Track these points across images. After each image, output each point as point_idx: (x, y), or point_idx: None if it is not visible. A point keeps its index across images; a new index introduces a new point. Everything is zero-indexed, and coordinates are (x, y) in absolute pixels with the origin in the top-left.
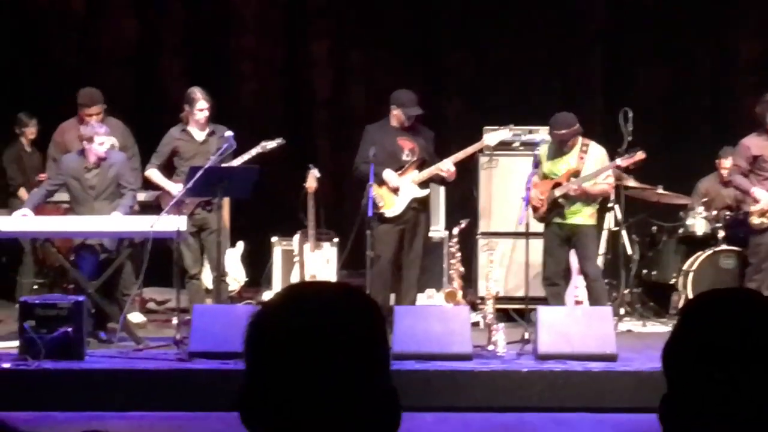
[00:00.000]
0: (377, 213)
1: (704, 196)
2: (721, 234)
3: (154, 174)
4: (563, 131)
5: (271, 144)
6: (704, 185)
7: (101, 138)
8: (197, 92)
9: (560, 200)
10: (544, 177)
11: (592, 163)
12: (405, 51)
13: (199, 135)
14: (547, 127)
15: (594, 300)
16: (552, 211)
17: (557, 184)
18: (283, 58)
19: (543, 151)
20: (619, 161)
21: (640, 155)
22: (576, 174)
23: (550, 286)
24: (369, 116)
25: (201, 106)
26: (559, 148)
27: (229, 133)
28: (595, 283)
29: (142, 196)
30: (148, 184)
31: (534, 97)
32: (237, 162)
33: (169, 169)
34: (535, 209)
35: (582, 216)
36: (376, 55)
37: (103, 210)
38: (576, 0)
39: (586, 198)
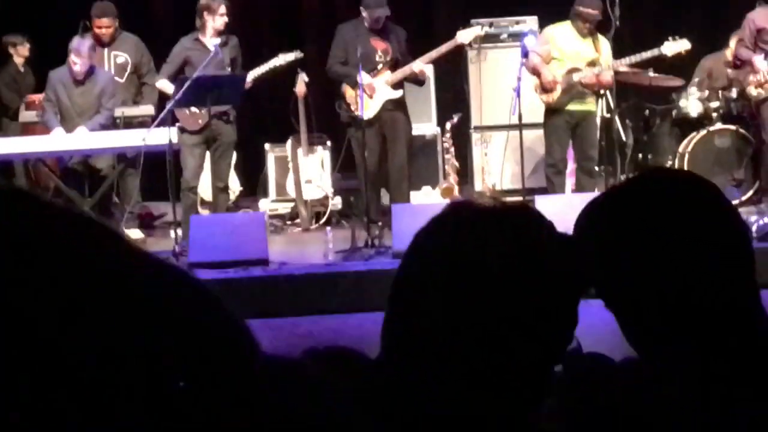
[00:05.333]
0: (353, 117)
1: (706, 72)
2: (715, 114)
3: (165, 85)
4: (596, 12)
5: (288, 56)
6: (708, 62)
7: (74, 58)
8: None
9: (580, 87)
10: (552, 60)
11: (606, 54)
12: None
13: (211, 45)
14: (534, 17)
15: (585, 185)
16: (566, 95)
17: (574, 70)
18: None
19: (552, 33)
20: (664, 50)
21: (686, 45)
22: (593, 62)
23: (557, 174)
24: (353, 16)
25: (223, 10)
26: (581, 32)
27: (216, 41)
28: (594, 167)
29: (137, 111)
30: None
31: None
32: (253, 74)
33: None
34: (547, 91)
35: (592, 103)
36: None
37: None
38: None
39: (599, 86)
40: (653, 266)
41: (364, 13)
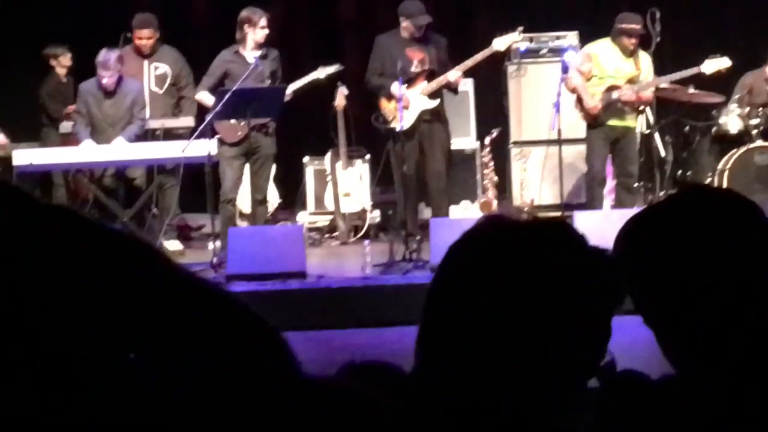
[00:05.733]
0: (390, 129)
1: (747, 89)
2: (755, 131)
3: (205, 97)
4: (639, 26)
5: (328, 69)
6: (749, 79)
7: (102, 71)
8: (257, 10)
9: (619, 104)
10: (593, 77)
11: (647, 70)
12: None
13: (251, 57)
14: (574, 32)
15: (624, 201)
16: (605, 111)
17: (614, 87)
18: None
19: (594, 51)
20: (704, 68)
21: (726, 62)
22: (633, 80)
23: (600, 187)
24: (393, 27)
25: (263, 23)
26: (624, 49)
27: (257, 54)
28: (634, 183)
29: (176, 123)
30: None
31: (560, 3)
32: (292, 86)
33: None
34: (588, 113)
35: (632, 119)
36: None
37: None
38: None
39: (639, 104)
40: (693, 283)
41: (406, 23)
